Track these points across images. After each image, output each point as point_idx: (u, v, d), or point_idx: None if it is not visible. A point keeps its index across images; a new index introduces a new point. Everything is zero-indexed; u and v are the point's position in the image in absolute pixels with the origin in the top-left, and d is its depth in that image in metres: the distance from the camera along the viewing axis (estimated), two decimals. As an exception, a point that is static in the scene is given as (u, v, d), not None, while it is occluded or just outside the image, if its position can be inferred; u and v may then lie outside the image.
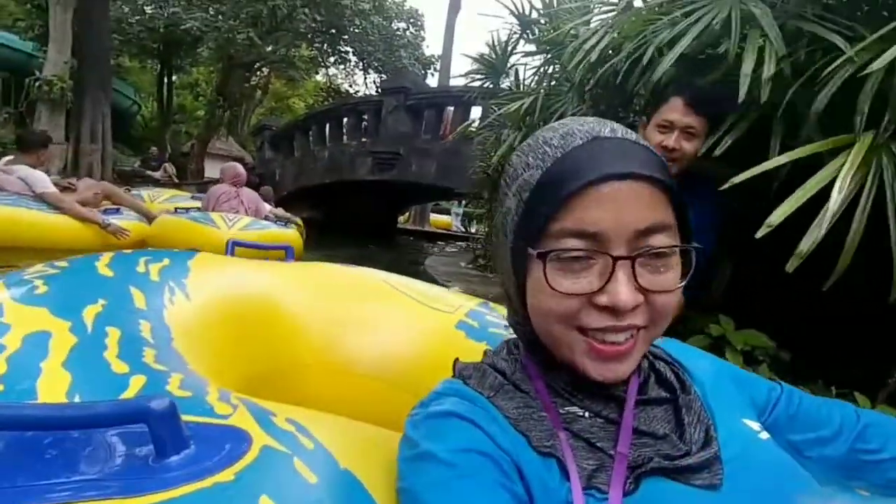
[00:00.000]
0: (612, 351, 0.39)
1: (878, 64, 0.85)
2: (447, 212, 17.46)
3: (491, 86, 3.68)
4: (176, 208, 3.74)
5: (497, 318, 0.96)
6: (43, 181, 3.13)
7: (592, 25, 1.72)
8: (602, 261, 0.38)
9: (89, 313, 0.66)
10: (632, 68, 1.45)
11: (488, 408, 0.41)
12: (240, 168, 3.85)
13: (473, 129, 4.96)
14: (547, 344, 0.43)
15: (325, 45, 15.14)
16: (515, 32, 3.43)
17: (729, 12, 1.15)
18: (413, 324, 0.98)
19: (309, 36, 13.58)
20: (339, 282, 1.09)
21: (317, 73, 18.78)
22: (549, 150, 0.41)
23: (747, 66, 1.05)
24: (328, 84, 19.12)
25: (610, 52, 1.57)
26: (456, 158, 6.96)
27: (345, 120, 9.39)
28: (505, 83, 3.54)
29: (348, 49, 15.37)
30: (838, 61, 0.93)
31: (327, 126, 9.83)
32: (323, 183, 9.45)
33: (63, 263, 0.80)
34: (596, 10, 2.10)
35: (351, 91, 18.46)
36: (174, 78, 16.26)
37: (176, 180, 9.34)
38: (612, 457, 0.39)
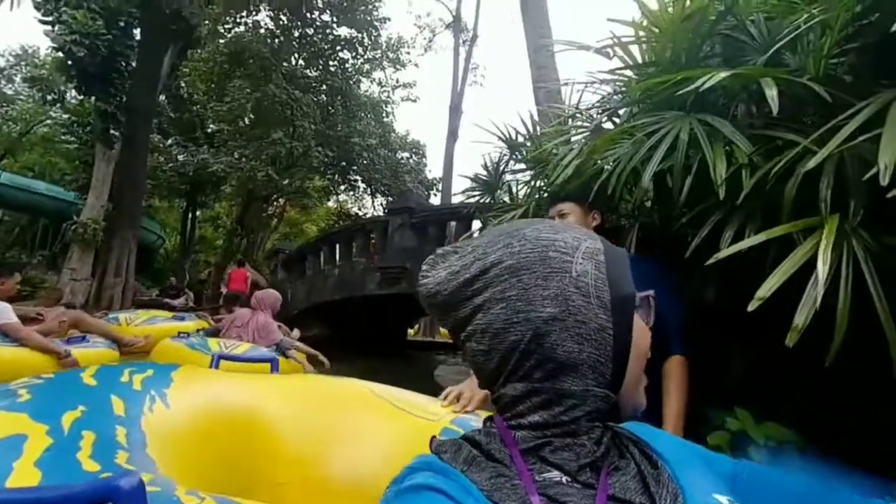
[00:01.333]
0: None
1: (823, 153, 0.95)
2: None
3: (487, 200, 3.98)
4: (179, 332, 3.75)
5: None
6: (4, 312, 3.07)
7: (570, 145, 1.94)
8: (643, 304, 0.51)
9: (68, 418, 0.70)
10: (608, 181, 1.62)
11: (461, 480, 0.42)
12: (277, 296, 3.80)
13: (475, 240, 5.22)
14: (626, 390, 0.49)
15: (336, 175, 16.73)
16: (505, 154, 3.83)
17: (691, 128, 1.31)
18: (396, 433, 0.96)
19: (322, 169, 15.08)
20: (322, 393, 1.07)
21: (328, 199, 20.38)
22: (581, 230, 0.52)
23: (720, 170, 1.16)
24: (339, 209, 20.55)
25: (586, 168, 1.74)
26: None
27: (354, 239, 9.91)
28: (503, 197, 3.83)
29: (357, 177, 16.92)
30: (794, 152, 1.02)
31: (337, 246, 10.34)
32: (333, 300, 9.61)
33: (50, 375, 0.85)
34: (573, 133, 2.38)
35: (360, 213, 19.78)
36: (198, 213, 17.72)
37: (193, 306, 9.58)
38: None
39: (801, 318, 0.90)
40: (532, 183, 2.75)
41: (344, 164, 15.48)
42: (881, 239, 0.91)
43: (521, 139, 3.64)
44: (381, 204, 17.88)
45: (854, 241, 0.87)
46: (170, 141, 14.61)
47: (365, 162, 14.99)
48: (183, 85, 13.93)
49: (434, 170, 18.31)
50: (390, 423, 0.99)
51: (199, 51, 13.06)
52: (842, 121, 0.95)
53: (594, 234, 0.52)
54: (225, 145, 13.01)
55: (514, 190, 3.84)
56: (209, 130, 14.66)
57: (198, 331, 4.56)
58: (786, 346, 0.91)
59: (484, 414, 0.95)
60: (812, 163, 0.92)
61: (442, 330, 16.32)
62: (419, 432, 0.95)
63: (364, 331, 10.23)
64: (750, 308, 0.93)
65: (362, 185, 17.61)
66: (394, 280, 8.40)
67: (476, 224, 5.67)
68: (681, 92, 1.26)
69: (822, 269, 0.89)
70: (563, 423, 0.46)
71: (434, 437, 0.50)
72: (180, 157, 13.91)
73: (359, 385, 1.11)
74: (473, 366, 0.51)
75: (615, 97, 2.04)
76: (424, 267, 0.55)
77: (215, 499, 0.51)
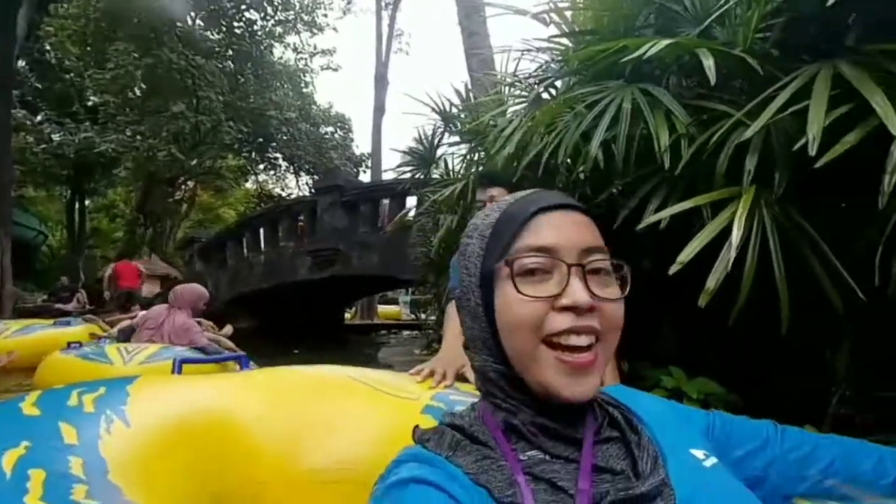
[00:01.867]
0: (578, 362, 0.43)
1: (756, 125, 1.01)
2: (395, 301, 17.22)
3: (422, 176, 3.90)
4: (69, 343, 3.19)
5: (462, 395, 0.94)
6: None
7: (508, 116, 1.91)
8: (558, 271, 0.45)
9: (9, 459, 0.64)
10: (554, 154, 1.62)
11: (447, 467, 0.43)
12: (200, 292, 3.33)
13: (411, 218, 5.12)
14: (519, 368, 0.46)
15: (253, 153, 15.45)
16: (439, 126, 3.74)
17: (633, 97, 1.33)
18: (378, 416, 0.95)
19: (235, 146, 13.80)
20: (298, 385, 1.02)
21: (246, 180, 18.87)
22: (501, 204, 0.51)
23: (664, 139, 1.19)
24: (259, 190, 19.16)
25: (528, 140, 1.73)
26: (398, 247, 7.05)
27: (279, 222, 9.31)
28: (435, 173, 3.77)
29: (277, 155, 15.76)
30: (729, 123, 1.08)
31: (261, 231, 9.66)
32: (260, 288, 9.04)
33: (-21, 410, 0.76)
34: (510, 102, 2.36)
35: (283, 194, 18.59)
36: (87, 202, 15.50)
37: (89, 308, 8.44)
38: (572, 496, 0.40)
39: (713, 281, 0.97)
40: (469, 156, 2.71)
41: (261, 140, 14.32)
42: (789, 212, 1.00)
43: (455, 111, 3.57)
44: (307, 183, 16.95)
45: (765, 212, 0.94)
46: (39, 117, 12.39)
47: (285, 137, 13.99)
48: (48, 48, 11.79)
49: (362, 145, 17.58)
50: (371, 405, 0.96)
51: (63, 5, 11.03)
52: (771, 94, 1.01)
53: (508, 202, 0.51)
54: (113, 121, 11.25)
55: (449, 164, 3.80)
56: (90, 104, 12.63)
57: (100, 338, 4.02)
58: (700, 308, 0.98)
59: (462, 387, 0.97)
60: (749, 133, 0.97)
61: (380, 310, 16.24)
62: (401, 412, 0.93)
63: (297, 319, 9.79)
64: (671, 271, 0.98)
65: (284, 164, 16.50)
66: (326, 263, 8.06)
67: (411, 200, 5.58)
68: (623, 60, 1.26)
69: (735, 235, 0.95)
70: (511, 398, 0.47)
71: (417, 426, 0.50)
72: (55, 137, 11.85)
73: (334, 371, 1.08)
74: None
75: (552, 65, 2.03)
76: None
77: None
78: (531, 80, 2.01)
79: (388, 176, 10.84)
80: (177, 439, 0.84)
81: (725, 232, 1.00)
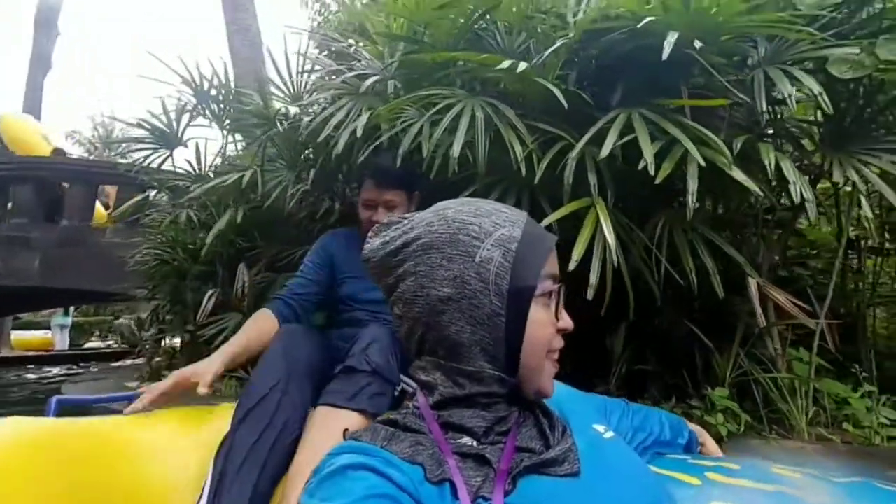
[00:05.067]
0: (557, 367, 0.55)
1: (605, 151, 1.27)
2: (41, 326, 12.21)
3: (160, 157, 2.99)
4: None
5: None
6: None
7: (334, 108, 1.73)
8: (554, 298, 0.54)
9: None
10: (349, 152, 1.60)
11: (382, 454, 0.44)
12: None
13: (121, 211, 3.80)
14: (525, 375, 0.52)
15: None
16: (185, 102, 2.99)
17: (483, 107, 1.45)
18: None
19: None
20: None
21: None
22: (509, 215, 0.54)
23: (518, 150, 1.34)
24: None
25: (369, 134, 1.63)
26: (78, 247, 5.17)
27: None
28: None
29: None
30: (579, 147, 1.31)
31: None
32: None
33: None
34: (315, 95, 2.13)
35: None
36: None
37: None
38: (495, 470, 0.45)
39: (595, 276, 1.20)
40: (261, 145, 2.29)
41: None
42: (619, 218, 1.34)
43: (213, 91, 2.93)
44: None
45: (609, 217, 1.23)
46: None
47: None
48: None
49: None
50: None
51: None
52: (603, 125, 1.32)
53: (521, 221, 0.54)
54: None
55: (201, 149, 3.07)
56: None
57: None
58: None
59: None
60: (574, 153, 1.26)
61: (16, 338, 11.07)
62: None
63: None
64: (571, 268, 1.16)
65: None
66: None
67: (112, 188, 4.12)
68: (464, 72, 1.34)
69: (609, 237, 1.20)
70: (466, 397, 0.51)
71: (346, 429, 0.51)
72: None
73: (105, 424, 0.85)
74: (397, 332, 0.58)
75: (373, 62, 1.99)
76: (370, 233, 0.59)
77: None
78: (352, 75, 1.90)
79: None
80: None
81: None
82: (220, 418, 0.87)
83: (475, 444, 0.47)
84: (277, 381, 0.86)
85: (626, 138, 1.25)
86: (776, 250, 1.71)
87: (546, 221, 1.22)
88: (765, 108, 1.33)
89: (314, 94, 2.10)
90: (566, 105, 1.33)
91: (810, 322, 1.40)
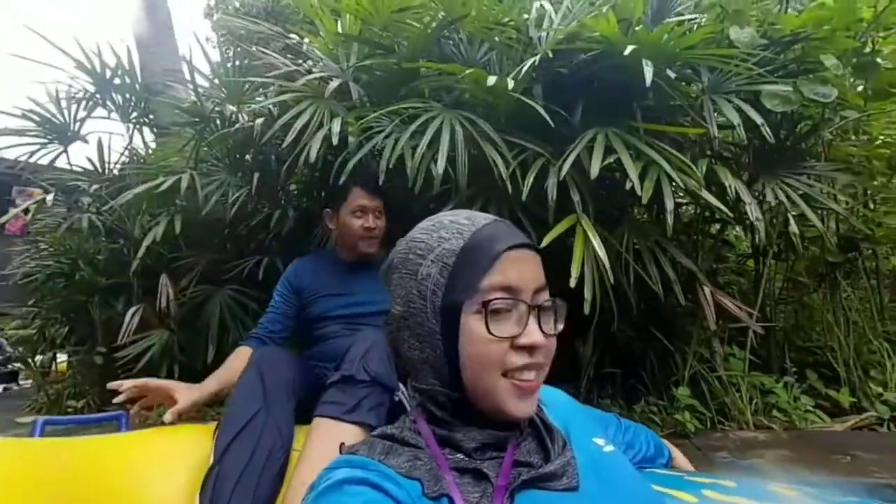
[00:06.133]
0: (527, 387, 0.48)
1: (566, 166, 1.32)
2: None
3: (51, 151, 2.49)
4: None
5: None
6: None
7: (296, 112, 1.58)
8: (517, 310, 0.48)
9: None
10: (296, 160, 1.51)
11: (380, 468, 0.44)
12: None
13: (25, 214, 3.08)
14: (476, 395, 0.48)
15: None
16: (80, 90, 2.53)
17: (461, 122, 1.42)
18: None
19: None
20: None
21: None
22: (462, 226, 0.51)
23: (502, 167, 1.33)
24: None
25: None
26: None
27: None
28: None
29: None
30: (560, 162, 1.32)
31: None
32: None
33: None
34: (272, 98, 1.91)
35: None
36: None
37: None
38: (493, 485, 0.45)
39: (590, 292, 1.23)
40: (195, 146, 2.01)
41: None
42: (599, 231, 1.39)
43: (117, 80, 2.52)
44: None
45: (596, 233, 1.28)
46: None
47: None
48: None
49: None
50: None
51: None
52: (586, 144, 1.36)
53: (469, 231, 0.50)
54: None
55: (104, 145, 2.62)
56: None
57: None
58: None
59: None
60: (564, 170, 1.29)
61: None
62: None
63: None
64: (572, 284, 1.18)
65: None
66: None
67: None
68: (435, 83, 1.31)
69: (600, 252, 1.24)
70: (452, 415, 0.50)
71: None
72: None
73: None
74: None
75: (332, 65, 1.85)
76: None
77: None
78: (313, 77, 1.76)
79: None
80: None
81: (566, 250, 1.26)
82: (209, 437, 0.87)
83: (470, 459, 0.47)
84: (259, 406, 0.86)
85: (610, 159, 1.30)
86: (710, 258, 1.91)
87: (544, 243, 1.22)
88: (716, 134, 1.48)
89: (268, 95, 1.90)
90: (552, 123, 1.35)
91: (757, 326, 1.58)
